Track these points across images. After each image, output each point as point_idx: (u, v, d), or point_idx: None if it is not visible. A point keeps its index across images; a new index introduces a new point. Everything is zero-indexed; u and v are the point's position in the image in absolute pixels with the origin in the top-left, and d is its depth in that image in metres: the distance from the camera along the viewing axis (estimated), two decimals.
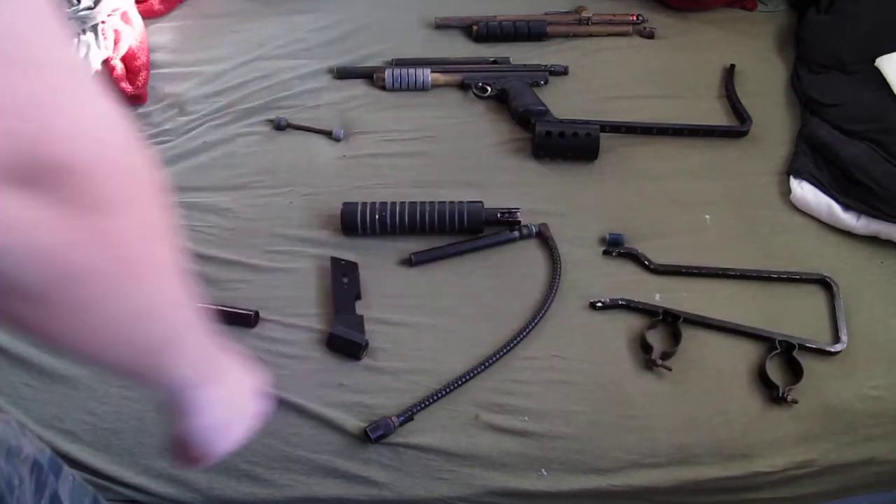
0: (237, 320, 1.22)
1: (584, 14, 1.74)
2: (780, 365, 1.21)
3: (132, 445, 1.10)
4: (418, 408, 1.13)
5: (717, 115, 1.58)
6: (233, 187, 1.42)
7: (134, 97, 1.56)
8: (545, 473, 1.10)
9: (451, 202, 1.34)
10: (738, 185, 1.45)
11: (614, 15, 1.76)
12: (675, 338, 1.22)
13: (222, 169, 1.45)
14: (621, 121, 1.53)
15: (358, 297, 1.26)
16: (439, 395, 1.14)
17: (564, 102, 1.58)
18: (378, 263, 1.31)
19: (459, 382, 1.16)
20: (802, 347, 1.20)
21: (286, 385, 1.15)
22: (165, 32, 1.72)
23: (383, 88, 1.61)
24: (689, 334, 1.23)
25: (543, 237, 1.35)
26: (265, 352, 1.19)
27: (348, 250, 1.33)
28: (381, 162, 1.47)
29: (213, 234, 1.35)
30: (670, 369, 1.18)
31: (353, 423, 1.12)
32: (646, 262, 1.32)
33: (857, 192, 1.36)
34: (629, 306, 1.26)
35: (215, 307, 1.22)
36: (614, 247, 1.33)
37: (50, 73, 0.37)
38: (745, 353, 1.22)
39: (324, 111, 1.56)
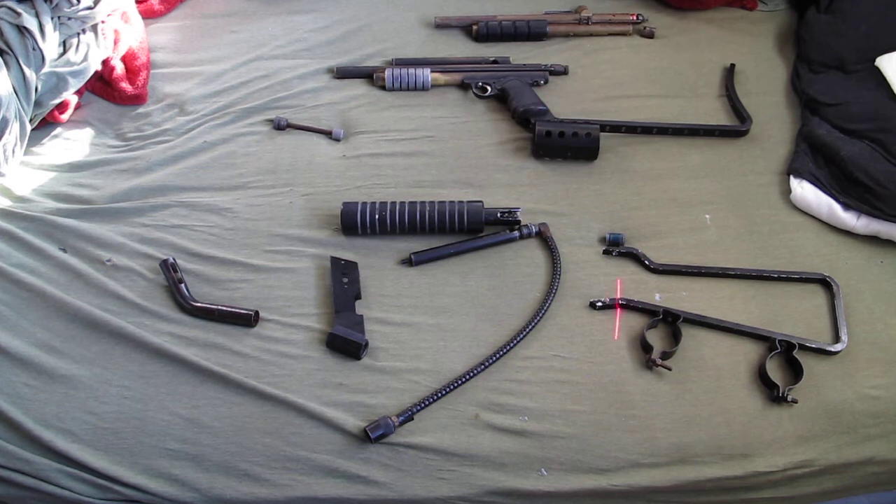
0: (237, 320, 1.22)
1: (584, 14, 1.74)
2: (780, 364, 1.21)
3: (132, 445, 1.10)
4: (418, 407, 1.13)
5: (717, 115, 1.58)
6: (233, 187, 1.42)
7: (134, 97, 1.56)
8: (545, 473, 1.10)
9: (451, 202, 1.34)
10: (738, 185, 1.45)
11: (614, 14, 1.76)
12: (675, 337, 1.22)
13: (222, 169, 1.45)
14: (621, 120, 1.53)
15: (358, 296, 1.26)
16: (439, 394, 1.14)
17: (564, 102, 1.58)
18: (378, 263, 1.31)
19: (459, 382, 1.16)
20: (802, 347, 1.21)
21: (286, 384, 1.15)
22: (165, 32, 1.73)
23: (383, 88, 1.61)
24: (689, 334, 1.23)
25: (543, 237, 1.35)
26: (265, 351, 1.19)
27: (348, 250, 1.33)
28: (380, 162, 1.47)
29: (213, 233, 1.35)
30: (670, 369, 1.18)
31: (353, 422, 1.12)
32: (646, 262, 1.32)
33: (857, 192, 1.36)
34: (629, 306, 1.26)
35: (215, 307, 1.22)
36: (614, 246, 1.33)
37: None
38: (745, 353, 1.22)
39: (324, 111, 1.56)
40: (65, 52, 1.47)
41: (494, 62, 1.66)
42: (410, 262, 1.31)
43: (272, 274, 1.29)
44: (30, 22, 1.37)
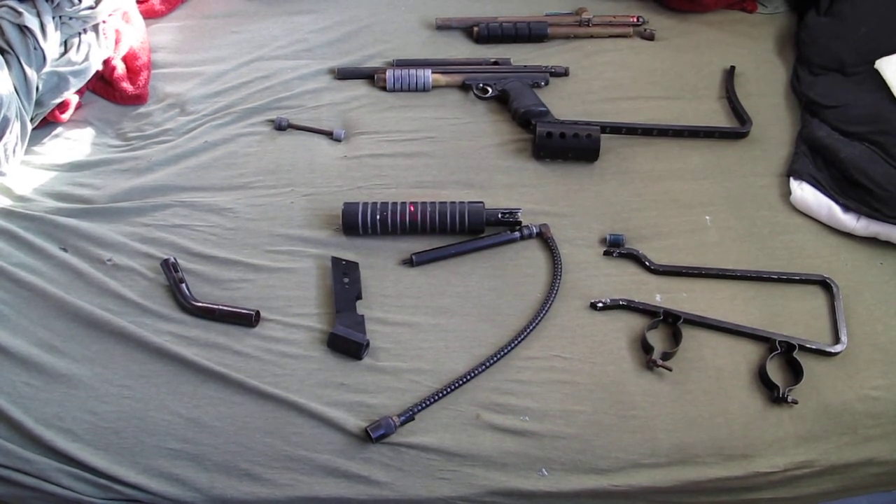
0: (238, 320, 1.22)
1: (585, 15, 1.75)
2: (781, 365, 1.21)
3: (133, 445, 1.10)
4: (419, 407, 1.13)
5: (717, 117, 1.59)
6: (234, 187, 1.42)
7: (135, 97, 1.56)
8: (546, 473, 1.10)
9: (452, 202, 1.34)
10: (739, 187, 1.46)
11: (615, 16, 1.77)
12: (676, 338, 1.22)
13: (223, 169, 1.45)
14: (622, 122, 1.53)
15: (359, 296, 1.26)
16: (440, 394, 1.14)
17: (565, 103, 1.58)
18: (379, 263, 1.31)
19: (460, 382, 1.16)
20: (802, 348, 1.21)
21: (287, 384, 1.15)
22: (166, 32, 1.73)
23: (384, 89, 1.61)
24: (689, 335, 1.23)
25: (544, 238, 1.35)
26: (266, 351, 1.19)
27: (349, 250, 1.33)
28: (381, 162, 1.47)
29: (214, 233, 1.35)
30: (671, 370, 1.18)
31: (354, 422, 1.12)
32: (646, 263, 1.32)
33: (856, 194, 1.36)
34: (630, 307, 1.26)
35: (216, 306, 1.22)
36: (615, 247, 1.33)
37: None
38: (745, 354, 1.22)
39: (325, 111, 1.56)
40: (66, 51, 1.47)
41: (495, 63, 1.66)
42: (411, 262, 1.31)
43: (273, 274, 1.29)
44: (31, 21, 1.37)
